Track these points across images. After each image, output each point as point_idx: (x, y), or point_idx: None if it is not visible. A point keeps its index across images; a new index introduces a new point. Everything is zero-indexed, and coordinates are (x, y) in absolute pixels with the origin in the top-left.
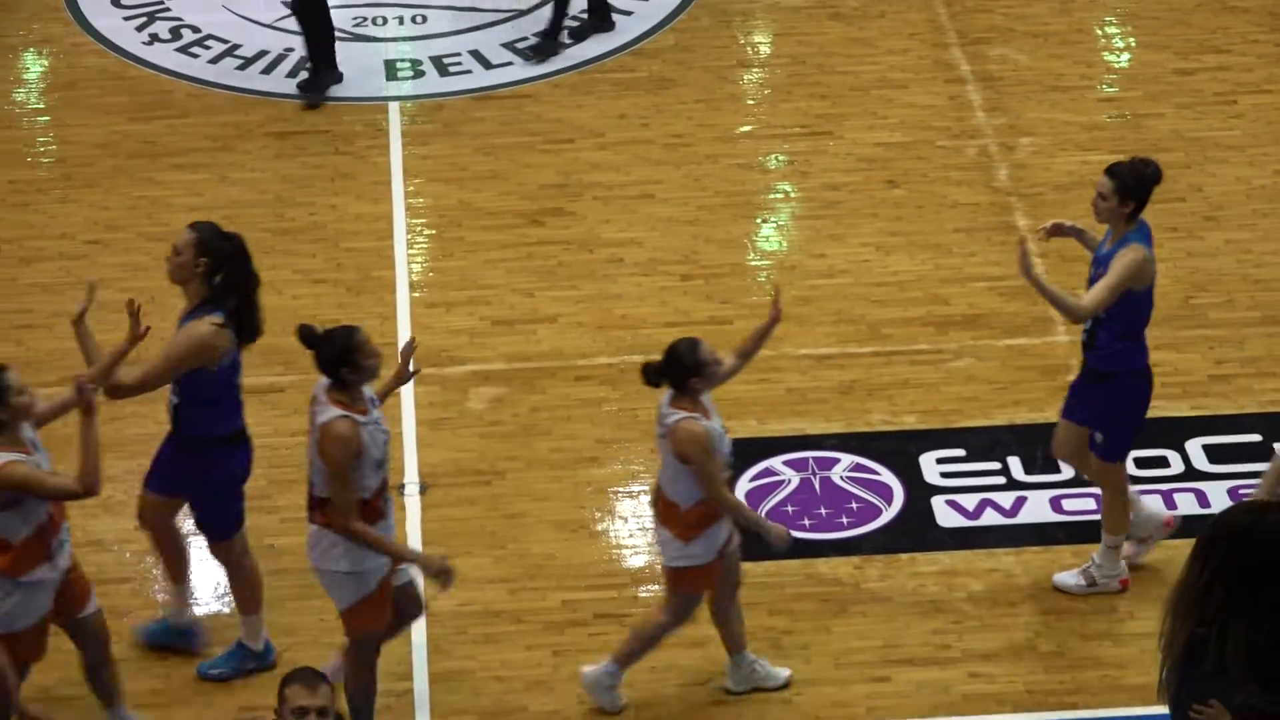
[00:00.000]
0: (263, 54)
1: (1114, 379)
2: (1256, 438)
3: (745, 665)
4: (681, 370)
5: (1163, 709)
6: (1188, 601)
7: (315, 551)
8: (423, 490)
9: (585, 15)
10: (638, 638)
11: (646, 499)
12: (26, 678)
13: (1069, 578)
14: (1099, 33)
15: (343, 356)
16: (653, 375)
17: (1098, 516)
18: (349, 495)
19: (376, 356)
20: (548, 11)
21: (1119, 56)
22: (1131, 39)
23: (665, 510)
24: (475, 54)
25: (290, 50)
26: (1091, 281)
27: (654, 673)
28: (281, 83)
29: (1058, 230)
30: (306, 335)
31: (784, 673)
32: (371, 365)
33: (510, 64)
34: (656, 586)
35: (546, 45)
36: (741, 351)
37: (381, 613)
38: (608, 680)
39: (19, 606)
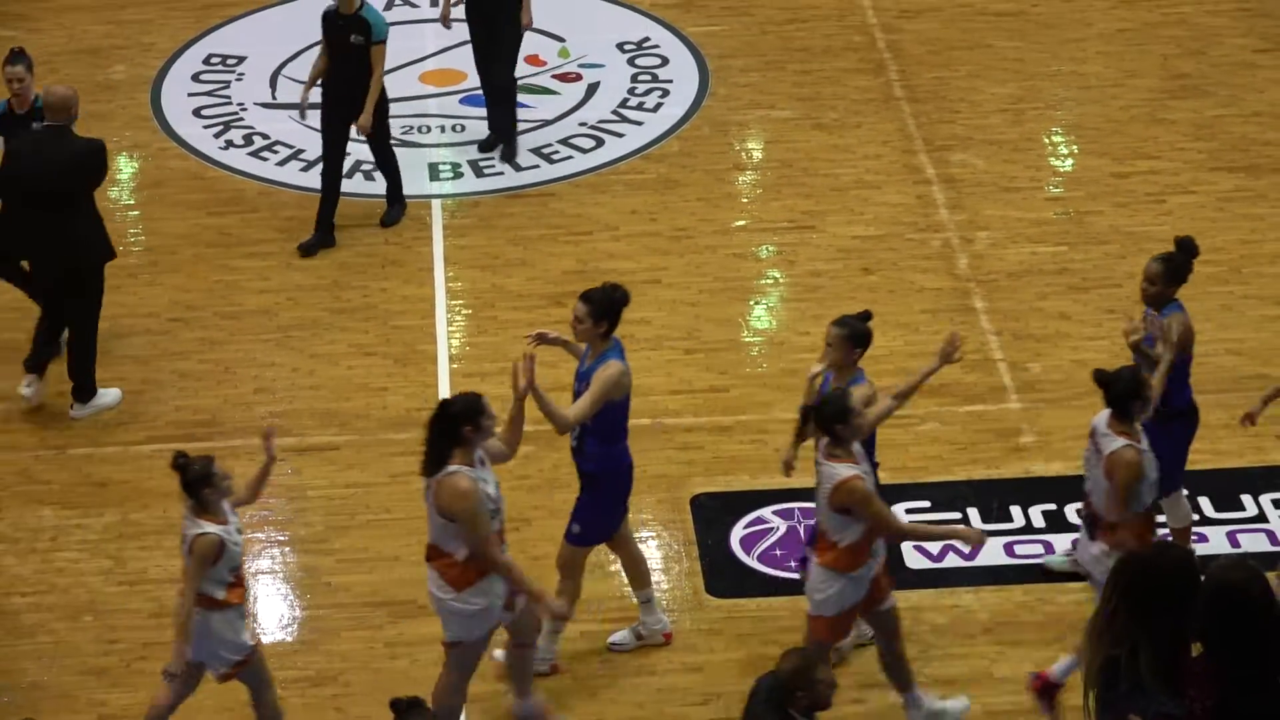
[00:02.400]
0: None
1: (600, 480)
2: (1182, 492)
3: None
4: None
5: None
6: (1100, 629)
7: (1086, 557)
8: None
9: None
10: None
11: (654, 544)
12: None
13: (621, 636)
14: (1046, 141)
15: (1132, 392)
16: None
17: (1043, 559)
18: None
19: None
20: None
21: (1064, 162)
22: (1074, 146)
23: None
24: (507, 158)
25: (346, 155)
26: (576, 395)
27: (660, 693)
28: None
29: (542, 339)
30: (1099, 377)
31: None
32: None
33: (537, 166)
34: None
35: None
36: None
37: None
38: None
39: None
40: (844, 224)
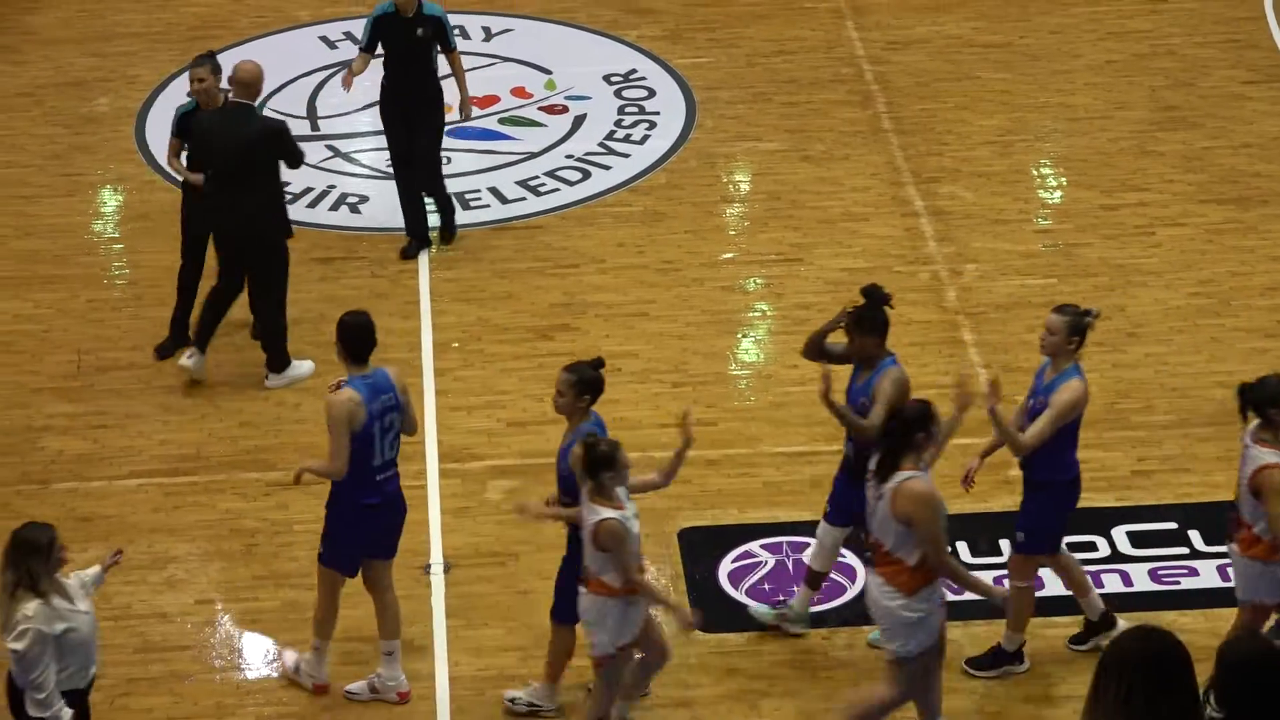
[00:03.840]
0: (308, 190)
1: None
2: (1173, 525)
3: None
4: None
5: None
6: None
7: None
8: (446, 569)
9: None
10: None
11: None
12: None
13: (355, 686)
14: (1035, 173)
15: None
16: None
17: (1038, 594)
18: None
19: None
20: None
21: (1052, 194)
22: (1063, 179)
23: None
24: (493, 190)
25: (332, 188)
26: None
27: None
28: (325, 215)
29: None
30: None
31: None
32: None
33: (524, 199)
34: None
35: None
36: None
37: None
38: None
39: None
40: (832, 256)
